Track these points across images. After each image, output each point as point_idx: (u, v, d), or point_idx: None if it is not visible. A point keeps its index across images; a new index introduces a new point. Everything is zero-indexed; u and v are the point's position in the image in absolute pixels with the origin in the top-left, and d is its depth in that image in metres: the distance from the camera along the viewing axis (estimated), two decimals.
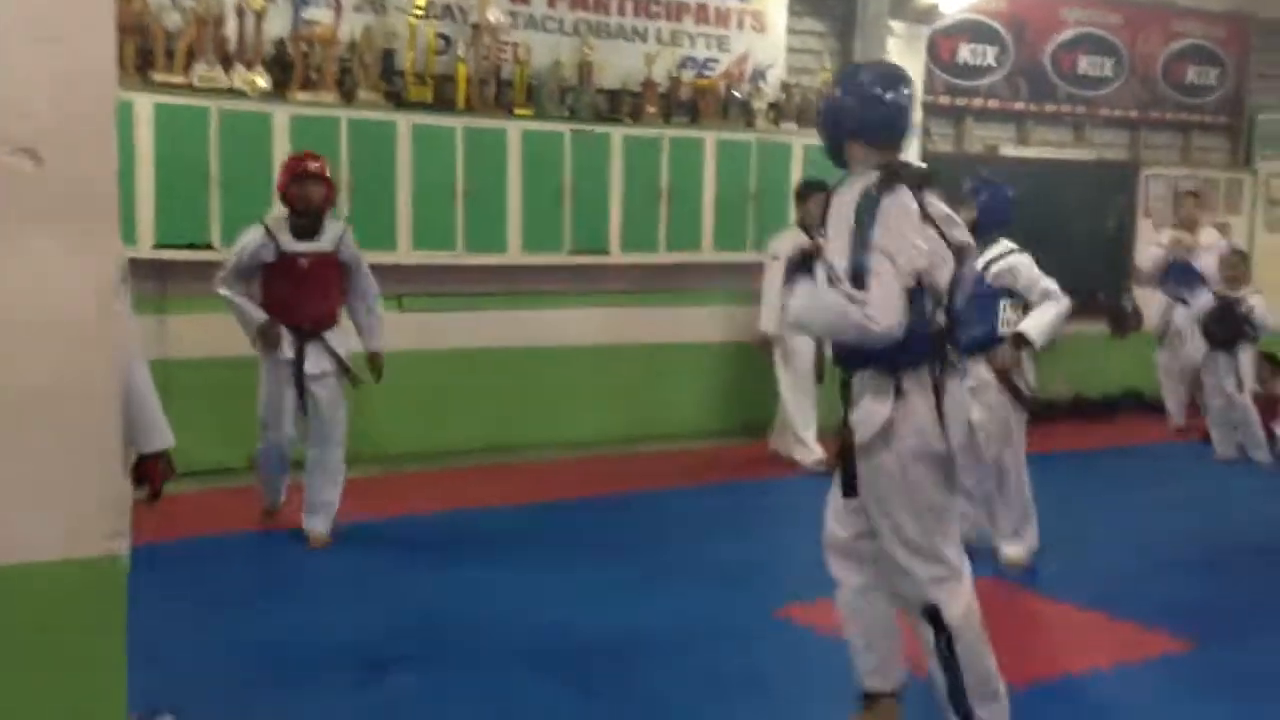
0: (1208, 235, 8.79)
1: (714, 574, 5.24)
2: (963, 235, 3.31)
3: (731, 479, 7.26)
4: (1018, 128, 9.89)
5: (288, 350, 5.43)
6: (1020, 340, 5.13)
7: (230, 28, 6.77)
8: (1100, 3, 10.02)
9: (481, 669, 4.12)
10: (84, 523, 2.36)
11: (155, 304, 6.41)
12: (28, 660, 2.33)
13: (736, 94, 8.31)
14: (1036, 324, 5.12)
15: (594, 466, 7.43)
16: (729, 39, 8.45)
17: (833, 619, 4.48)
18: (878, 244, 3.08)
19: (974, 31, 9.50)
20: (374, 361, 5.67)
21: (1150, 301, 9.11)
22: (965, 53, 9.50)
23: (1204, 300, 8.18)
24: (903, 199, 3.17)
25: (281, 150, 6.43)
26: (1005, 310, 5.17)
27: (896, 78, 3.36)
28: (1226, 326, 7.87)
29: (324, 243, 5.47)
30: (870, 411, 3.24)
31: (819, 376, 7.25)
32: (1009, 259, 5.17)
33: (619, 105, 7.96)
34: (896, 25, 8.67)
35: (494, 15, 7.46)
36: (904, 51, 8.58)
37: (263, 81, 6.74)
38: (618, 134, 7.73)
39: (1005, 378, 5.19)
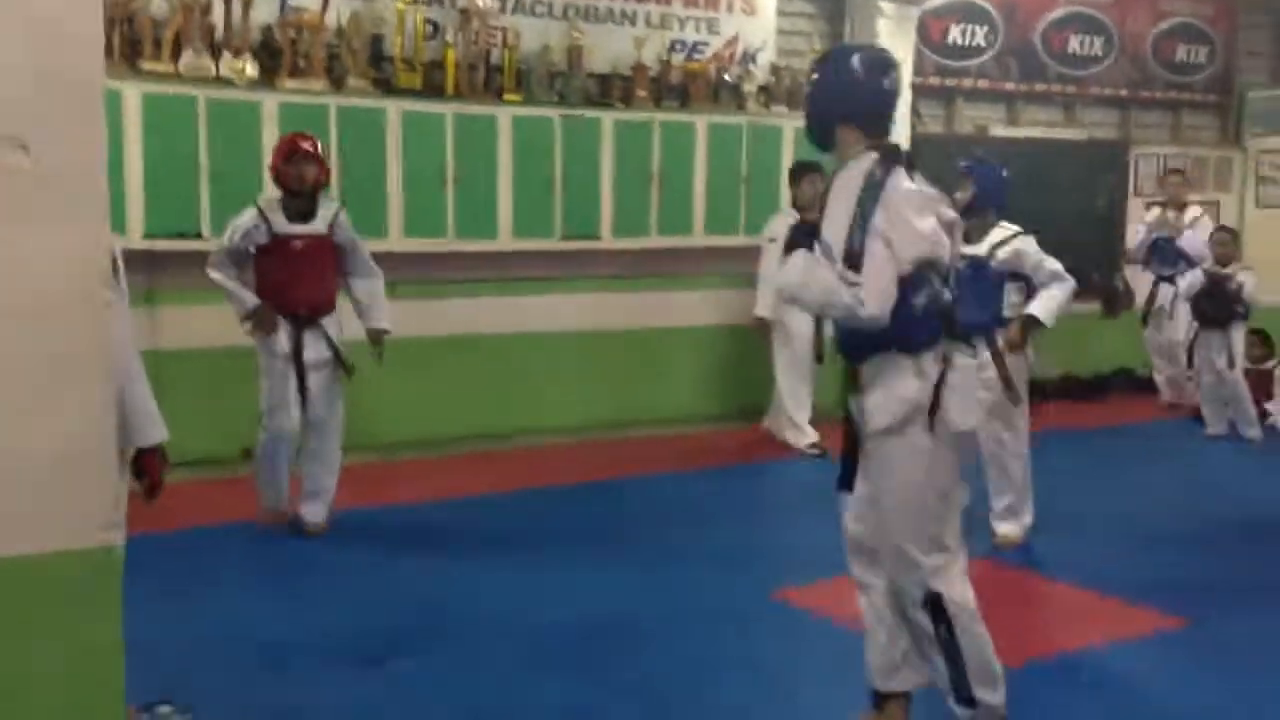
0: (1192, 213, 8.81)
1: (710, 557, 5.25)
2: (949, 213, 3.33)
3: (726, 463, 7.26)
4: (1008, 108, 9.88)
5: (284, 339, 5.37)
6: (1030, 323, 5.14)
7: (217, 15, 6.72)
8: None
9: (479, 655, 4.13)
10: (78, 514, 2.36)
11: (145, 294, 6.38)
12: (24, 653, 2.33)
13: (727, 77, 8.29)
14: (1046, 306, 5.14)
15: (587, 452, 7.43)
16: (718, 21, 8.43)
17: (829, 601, 4.52)
18: (877, 228, 3.08)
19: (964, 11, 9.48)
20: (375, 339, 5.58)
21: (1141, 280, 9.13)
22: (955, 33, 9.48)
23: (1190, 278, 8.20)
24: (905, 182, 3.18)
25: (271, 138, 6.38)
26: (1010, 294, 5.18)
27: (888, 63, 3.38)
28: (1217, 304, 7.90)
29: (318, 224, 5.41)
30: (891, 395, 3.20)
31: (818, 357, 7.26)
32: (1014, 243, 5.17)
33: (609, 90, 7.94)
34: (886, 6, 8.63)
35: (482, 0, 7.43)
36: (894, 32, 8.56)
37: (251, 69, 6.71)
38: (608, 118, 7.71)
39: (1000, 363, 5.18)
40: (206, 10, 6.67)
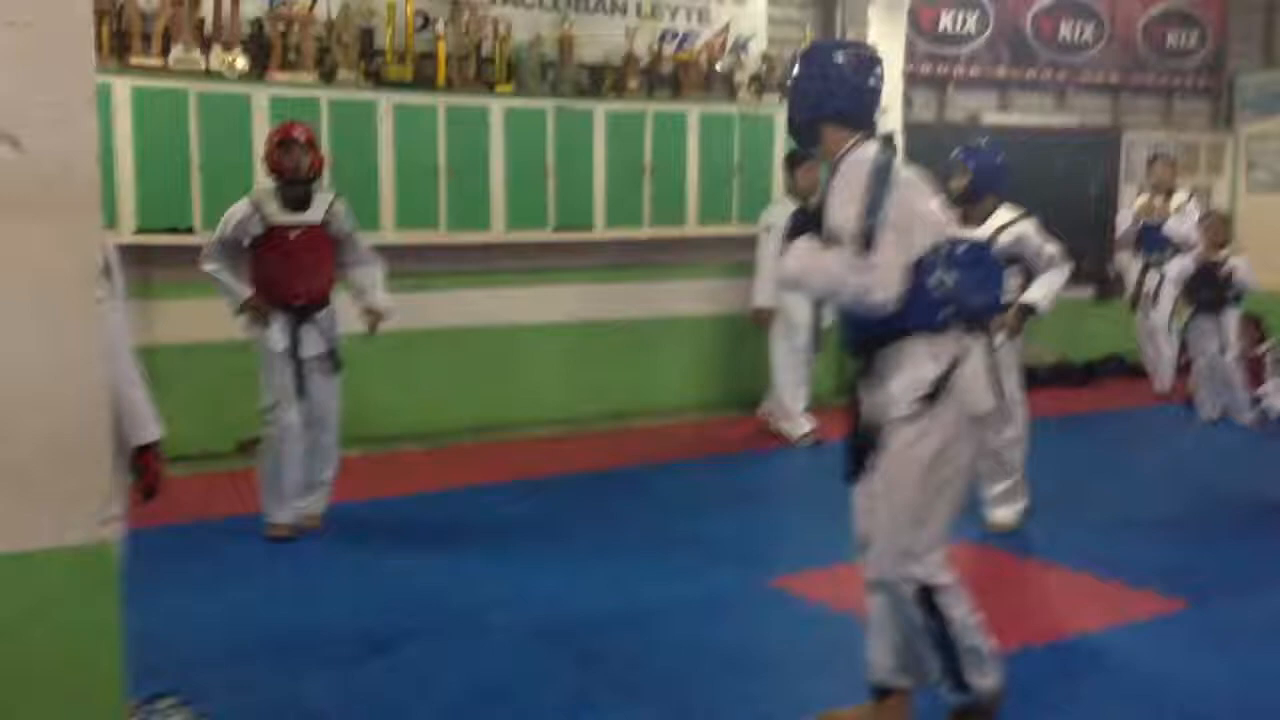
0: (1179, 199, 8.82)
1: (708, 546, 5.26)
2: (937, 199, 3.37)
3: (722, 453, 7.27)
4: (999, 95, 9.88)
5: (280, 334, 5.31)
6: (1027, 310, 5.15)
7: (207, 8, 6.70)
8: None
9: (478, 644, 4.13)
10: (74, 510, 2.35)
11: (138, 289, 6.36)
12: (23, 649, 2.33)
13: (718, 67, 8.28)
14: (1044, 293, 5.15)
15: (582, 443, 7.44)
16: (709, 11, 8.41)
17: (827, 589, 4.53)
18: (887, 215, 3.08)
19: None
20: (372, 317, 5.51)
21: (1133, 267, 9.14)
22: (945, 20, 9.47)
23: (1180, 264, 8.21)
24: (908, 171, 3.21)
25: (261, 132, 6.36)
26: (1008, 278, 5.18)
27: (875, 59, 3.37)
28: (1209, 289, 7.91)
29: (313, 214, 5.36)
30: (909, 382, 3.17)
31: (817, 346, 7.26)
32: (1015, 228, 5.17)
33: (601, 80, 7.92)
34: None
35: None
36: (885, 21, 8.56)
37: (241, 63, 6.69)
38: (600, 109, 7.70)
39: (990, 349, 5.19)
40: (196, 3, 6.65)
